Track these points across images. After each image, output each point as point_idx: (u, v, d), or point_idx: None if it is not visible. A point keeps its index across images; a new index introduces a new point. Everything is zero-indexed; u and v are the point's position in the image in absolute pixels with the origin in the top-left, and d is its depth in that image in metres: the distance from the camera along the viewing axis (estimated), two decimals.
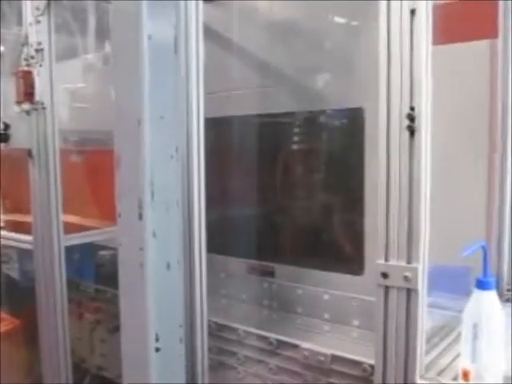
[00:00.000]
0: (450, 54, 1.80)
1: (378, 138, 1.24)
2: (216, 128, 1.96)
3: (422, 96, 1.17)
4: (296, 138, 1.99)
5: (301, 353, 1.60)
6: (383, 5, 1.20)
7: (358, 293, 1.72)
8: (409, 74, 1.19)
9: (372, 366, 1.35)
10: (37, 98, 2.02)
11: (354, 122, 1.75)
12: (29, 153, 2.09)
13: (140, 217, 1.19)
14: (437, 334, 1.58)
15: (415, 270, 1.21)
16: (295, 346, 1.63)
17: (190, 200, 1.54)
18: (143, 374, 1.24)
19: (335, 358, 1.54)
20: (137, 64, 1.18)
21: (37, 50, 2.01)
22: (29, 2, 2.02)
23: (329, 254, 1.89)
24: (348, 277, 1.78)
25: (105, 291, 2.36)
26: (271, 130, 2.04)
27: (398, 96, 1.20)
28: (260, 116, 2.02)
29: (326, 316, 1.82)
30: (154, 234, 1.21)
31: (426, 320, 1.24)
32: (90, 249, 2.54)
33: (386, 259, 1.25)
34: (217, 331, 1.80)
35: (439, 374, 1.31)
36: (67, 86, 2.80)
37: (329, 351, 1.55)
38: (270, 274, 1.99)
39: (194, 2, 1.51)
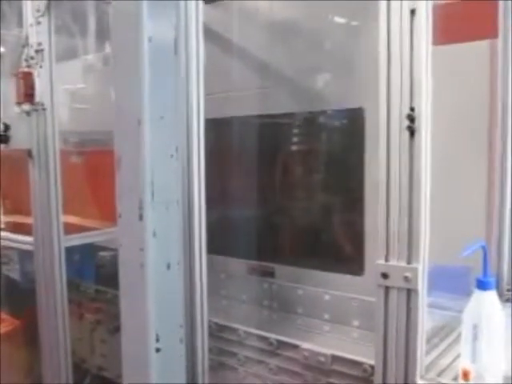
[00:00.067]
0: (450, 54, 1.81)
1: (378, 138, 1.24)
2: (216, 129, 1.97)
3: (422, 96, 1.17)
4: (296, 139, 1.99)
5: (301, 353, 1.60)
6: (383, 5, 1.21)
7: (358, 293, 1.72)
8: (409, 75, 1.19)
9: (372, 367, 1.35)
10: (37, 98, 2.02)
11: (354, 123, 1.76)
12: (29, 153, 2.09)
13: (140, 217, 1.20)
14: (437, 334, 1.58)
15: (415, 271, 1.21)
16: (295, 347, 1.63)
17: (190, 200, 1.55)
18: (143, 374, 1.24)
19: (335, 359, 1.54)
20: (137, 65, 1.18)
21: (37, 51, 2.01)
22: (29, 3, 2.02)
23: (329, 255, 1.89)
24: (348, 277, 1.78)
25: (105, 292, 2.36)
26: (271, 131, 2.04)
27: (398, 96, 1.20)
28: (260, 117, 2.02)
29: (326, 316, 1.82)
30: (155, 235, 1.21)
31: (426, 320, 1.24)
32: (91, 249, 2.54)
33: (386, 259, 1.25)
34: (217, 332, 1.80)
35: (439, 374, 1.31)
36: (67, 87, 2.80)
37: (329, 351, 1.55)
38: (270, 274, 1.99)
39: (194, 3, 1.52)
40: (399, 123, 1.20)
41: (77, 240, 2.28)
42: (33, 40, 2.02)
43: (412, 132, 1.19)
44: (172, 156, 1.25)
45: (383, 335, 1.26)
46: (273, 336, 1.68)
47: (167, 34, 1.25)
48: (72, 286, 2.26)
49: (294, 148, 2.01)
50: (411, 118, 1.18)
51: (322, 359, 1.55)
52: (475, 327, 1.19)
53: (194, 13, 1.52)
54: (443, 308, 1.76)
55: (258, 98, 2.00)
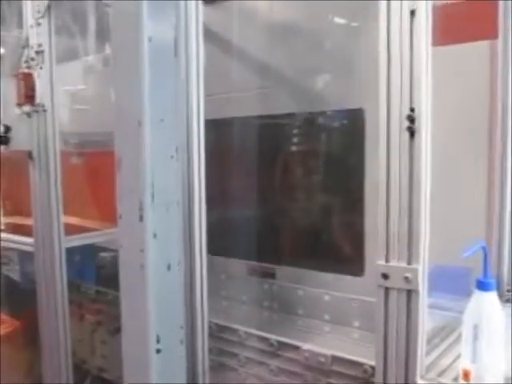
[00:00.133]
0: (450, 55, 1.81)
1: (378, 139, 1.24)
2: (216, 129, 1.97)
3: (421, 97, 1.17)
4: (296, 139, 1.99)
5: (301, 354, 1.60)
6: (383, 5, 1.21)
7: (359, 294, 1.72)
8: (409, 75, 1.19)
9: (373, 367, 1.35)
10: (37, 100, 2.02)
11: (354, 123, 1.76)
12: (29, 155, 2.10)
13: (141, 218, 1.20)
14: (437, 334, 1.58)
15: (415, 271, 1.21)
16: (296, 348, 1.62)
17: (190, 201, 1.55)
18: (144, 375, 1.24)
19: (336, 359, 1.54)
20: (137, 66, 1.18)
21: (37, 52, 2.02)
22: (29, 4, 2.03)
23: (329, 255, 1.89)
24: (348, 278, 1.78)
25: (105, 293, 2.36)
26: (271, 132, 2.05)
27: (398, 97, 1.20)
28: (260, 117, 2.02)
29: (327, 317, 1.82)
30: (155, 236, 1.21)
31: (426, 321, 1.24)
32: (91, 250, 2.55)
33: (387, 260, 1.25)
34: (217, 332, 1.80)
35: (440, 374, 1.31)
36: (68, 88, 2.81)
37: (329, 352, 1.55)
38: (271, 275, 1.99)
39: (194, 4, 1.52)
40: (399, 124, 1.20)
41: (77, 241, 2.28)
42: (33, 41, 2.02)
43: (412, 133, 1.19)
44: (172, 157, 1.26)
45: (383, 336, 1.26)
46: (273, 337, 1.68)
47: (167, 34, 1.25)
48: (72, 286, 2.26)
49: (294, 148, 2.01)
50: (411, 119, 1.18)
51: (323, 360, 1.55)
52: (475, 328, 1.19)
53: (193, 13, 1.52)
54: (443, 308, 1.76)
55: (258, 98, 2.00)
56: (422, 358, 1.24)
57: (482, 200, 1.99)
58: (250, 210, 2.10)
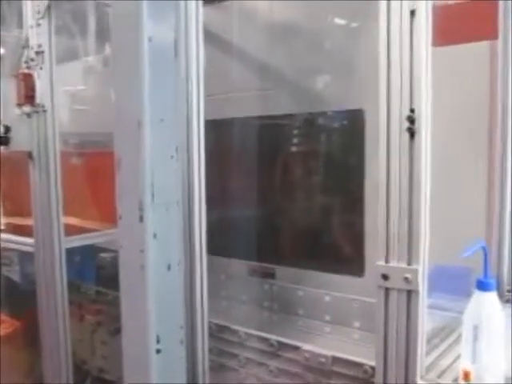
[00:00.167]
0: (450, 56, 1.81)
1: (378, 139, 1.24)
2: (216, 130, 1.97)
3: (421, 98, 1.17)
4: (296, 140, 1.99)
5: (302, 354, 1.60)
6: (383, 6, 1.21)
7: (359, 294, 1.72)
8: (409, 76, 1.19)
9: (373, 368, 1.35)
10: (37, 100, 2.02)
11: (354, 124, 1.76)
12: (29, 155, 2.10)
13: (141, 219, 1.20)
14: (437, 335, 1.58)
15: (415, 272, 1.21)
16: (296, 348, 1.62)
17: (190, 201, 1.55)
18: (144, 375, 1.24)
19: (336, 360, 1.54)
20: (137, 66, 1.18)
21: (37, 53, 2.02)
22: (29, 5, 2.03)
23: (329, 256, 1.89)
24: (348, 278, 1.78)
25: (106, 293, 2.36)
26: (272, 132, 2.05)
27: (398, 98, 1.20)
28: (260, 118, 2.03)
29: (327, 318, 1.82)
30: (155, 236, 1.21)
31: (426, 321, 1.24)
32: (91, 251, 2.54)
33: (387, 261, 1.25)
34: (217, 333, 1.80)
35: (440, 375, 1.31)
36: (68, 89, 2.81)
37: (330, 353, 1.55)
38: (271, 275, 1.99)
39: (193, 4, 1.52)
40: (399, 124, 1.20)
41: (77, 241, 2.28)
42: (33, 42, 2.02)
43: (412, 133, 1.19)
44: (172, 157, 1.26)
45: (383, 336, 1.26)
46: (273, 337, 1.68)
47: (167, 34, 1.25)
48: (72, 287, 2.26)
49: (294, 149, 2.01)
50: (411, 120, 1.18)
51: (323, 360, 1.55)
52: (475, 328, 1.19)
53: (193, 14, 1.52)
54: (443, 309, 1.76)
55: (258, 99, 2.00)
56: (422, 359, 1.24)
57: (481, 200, 1.99)
58: (250, 210, 2.10)
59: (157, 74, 1.20)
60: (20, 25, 2.12)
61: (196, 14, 1.52)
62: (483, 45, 1.97)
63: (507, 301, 1.78)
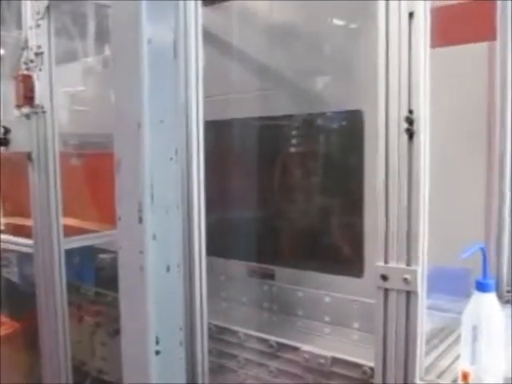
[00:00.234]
0: (448, 57, 1.81)
1: (376, 140, 1.25)
2: (216, 130, 1.97)
3: (420, 99, 1.18)
4: (296, 141, 2.00)
5: (301, 355, 1.60)
6: (382, 7, 1.21)
7: (358, 295, 1.72)
8: (407, 77, 1.19)
9: (372, 369, 1.35)
10: (36, 101, 2.02)
11: (353, 125, 1.76)
12: (28, 156, 2.10)
13: (140, 220, 1.20)
14: (436, 335, 1.58)
15: (414, 273, 1.21)
16: (295, 349, 1.63)
17: (189, 203, 1.55)
18: (143, 376, 1.24)
19: (335, 361, 1.54)
20: (136, 67, 1.18)
21: (36, 54, 2.02)
22: (29, 5, 2.03)
23: (329, 257, 1.89)
24: (348, 279, 1.78)
25: (105, 294, 2.36)
26: (271, 133, 2.05)
27: (397, 99, 1.20)
28: (260, 119, 2.03)
29: (326, 318, 1.82)
30: (154, 237, 1.21)
31: (425, 322, 1.24)
32: (90, 252, 2.55)
33: (386, 261, 1.25)
34: (217, 334, 1.80)
35: (439, 375, 1.31)
36: (67, 90, 2.81)
37: (329, 354, 1.55)
38: (270, 276, 1.99)
39: (193, 6, 1.52)
40: (398, 125, 1.20)
41: (76, 242, 2.28)
42: (32, 43, 2.03)
43: (410, 134, 1.19)
44: (171, 159, 1.26)
45: (383, 337, 1.26)
46: (273, 338, 1.68)
47: (166, 36, 1.25)
48: (72, 288, 2.26)
49: (294, 150, 2.01)
50: (410, 121, 1.18)
51: (322, 361, 1.55)
52: (474, 329, 1.19)
53: (193, 15, 1.52)
54: (443, 310, 1.76)
55: (258, 100, 2.01)
56: (422, 360, 1.24)
57: (480, 201, 1.99)
58: (250, 211, 2.10)
59: (156, 75, 1.20)
60: (19, 26, 2.12)
61: (195, 16, 1.52)
62: (482, 46, 1.97)
63: (507, 301, 1.79)
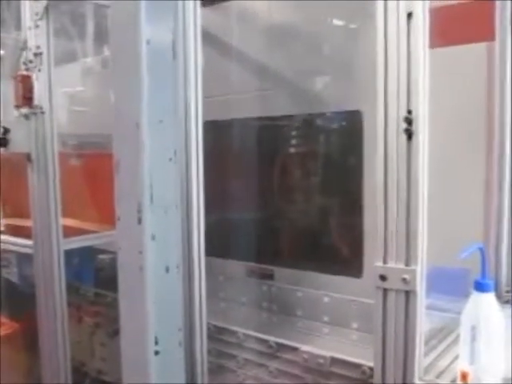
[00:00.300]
0: (447, 57, 1.81)
1: (376, 140, 1.25)
2: (215, 131, 1.97)
3: (419, 99, 1.18)
4: (295, 141, 2.00)
5: (300, 355, 1.61)
6: (380, 7, 1.21)
7: (357, 295, 1.72)
8: (406, 77, 1.19)
9: (371, 369, 1.35)
10: (35, 102, 2.02)
11: (352, 125, 1.76)
12: (28, 157, 2.10)
13: (139, 220, 1.20)
14: (435, 336, 1.59)
15: (413, 273, 1.21)
16: (295, 349, 1.63)
17: (188, 203, 1.55)
18: (143, 377, 1.24)
19: (334, 361, 1.54)
20: (135, 68, 1.18)
21: (35, 54, 2.02)
22: (28, 5, 2.03)
23: (328, 257, 1.89)
24: (347, 279, 1.78)
25: (104, 295, 2.36)
26: (270, 133, 2.05)
27: (396, 99, 1.20)
28: (259, 119, 2.03)
29: (326, 318, 1.82)
30: (153, 238, 1.21)
31: (424, 322, 1.24)
32: (90, 252, 2.54)
33: (385, 261, 1.25)
34: (216, 334, 1.80)
35: (438, 375, 1.31)
36: (66, 90, 2.81)
37: (328, 354, 1.56)
38: (270, 276, 1.99)
39: (192, 6, 1.52)
40: (397, 126, 1.20)
41: (76, 243, 2.28)
42: (31, 43, 2.03)
43: (409, 134, 1.19)
44: (171, 159, 1.26)
45: (382, 337, 1.26)
46: (272, 338, 1.68)
47: (165, 36, 1.25)
48: (71, 289, 2.26)
49: (293, 150, 2.01)
50: (409, 121, 1.19)
51: (322, 361, 1.56)
52: (473, 329, 1.19)
53: (192, 16, 1.52)
54: (441, 310, 1.76)
55: (257, 100, 2.01)
56: (420, 360, 1.24)
57: (479, 201, 1.99)
58: (249, 211, 2.10)
59: (155, 75, 1.20)
60: (18, 27, 2.12)
61: (194, 16, 1.52)
62: (481, 46, 1.97)
63: (506, 301, 1.79)
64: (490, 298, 1.20)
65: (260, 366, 1.71)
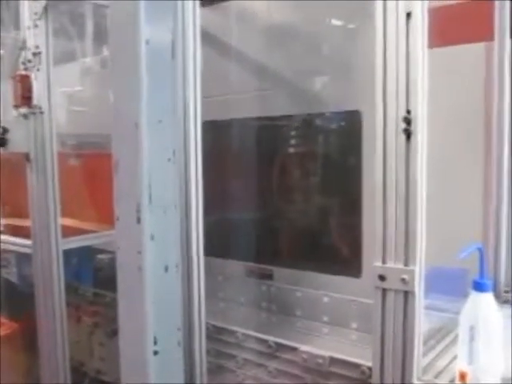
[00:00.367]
0: (446, 57, 1.81)
1: (374, 140, 1.25)
2: (215, 131, 1.97)
3: (418, 99, 1.18)
4: (294, 141, 2.00)
5: (299, 355, 1.60)
6: (379, 7, 1.21)
7: (356, 295, 1.72)
8: (405, 77, 1.19)
9: (370, 369, 1.35)
10: (34, 101, 2.02)
11: (351, 125, 1.76)
12: (26, 157, 2.10)
13: (138, 220, 1.20)
14: (434, 336, 1.59)
15: (412, 273, 1.21)
16: (294, 349, 1.63)
17: (187, 203, 1.55)
18: (141, 376, 1.24)
19: (334, 361, 1.54)
20: (135, 68, 1.19)
21: (34, 54, 2.02)
22: (27, 5, 2.03)
23: (327, 257, 1.89)
24: (346, 279, 1.78)
25: (103, 295, 2.36)
26: (270, 133, 2.05)
27: (395, 99, 1.21)
28: (259, 119, 2.03)
29: (325, 318, 1.82)
30: (152, 238, 1.21)
31: (423, 322, 1.25)
32: (89, 252, 2.54)
33: (384, 262, 1.25)
34: (215, 334, 1.80)
35: (436, 376, 1.32)
36: (65, 90, 2.80)
37: (327, 354, 1.56)
38: (269, 276, 1.99)
39: (191, 6, 1.52)
40: (395, 126, 1.20)
41: (75, 243, 2.28)
42: (30, 43, 2.02)
43: (408, 134, 1.19)
44: (169, 159, 1.26)
45: (381, 337, 1.26)
46: (271, 338, 1.68)
47: (164, 37, 1.26)
48: (70, 288, 2.26)
49: (292, 150, 2.01)
50: (407, 121, 1.19)
51: (321, 361, 1.56)
52: (472, 329, 1.19)
53: (191, 16, 1.52)
54: (440, 310, 1.77)
55: (257, 100, 2.01)
56: (419, 360, 1.24)
57: (478, 201, 1.99)
58: (248, 211, 2.10)
59: (154, 75, 1.20)
60: (17, 26, 2.12)
61: (193, 16, 1.52)
62: (479, 46, 1.98)
63: (504, 301, 1.79)
64: (488, 297, 1.20)
65: (259, 366, 1.71)
